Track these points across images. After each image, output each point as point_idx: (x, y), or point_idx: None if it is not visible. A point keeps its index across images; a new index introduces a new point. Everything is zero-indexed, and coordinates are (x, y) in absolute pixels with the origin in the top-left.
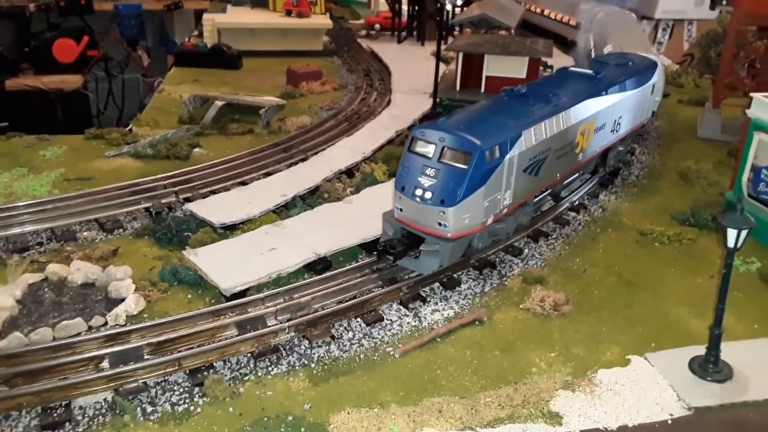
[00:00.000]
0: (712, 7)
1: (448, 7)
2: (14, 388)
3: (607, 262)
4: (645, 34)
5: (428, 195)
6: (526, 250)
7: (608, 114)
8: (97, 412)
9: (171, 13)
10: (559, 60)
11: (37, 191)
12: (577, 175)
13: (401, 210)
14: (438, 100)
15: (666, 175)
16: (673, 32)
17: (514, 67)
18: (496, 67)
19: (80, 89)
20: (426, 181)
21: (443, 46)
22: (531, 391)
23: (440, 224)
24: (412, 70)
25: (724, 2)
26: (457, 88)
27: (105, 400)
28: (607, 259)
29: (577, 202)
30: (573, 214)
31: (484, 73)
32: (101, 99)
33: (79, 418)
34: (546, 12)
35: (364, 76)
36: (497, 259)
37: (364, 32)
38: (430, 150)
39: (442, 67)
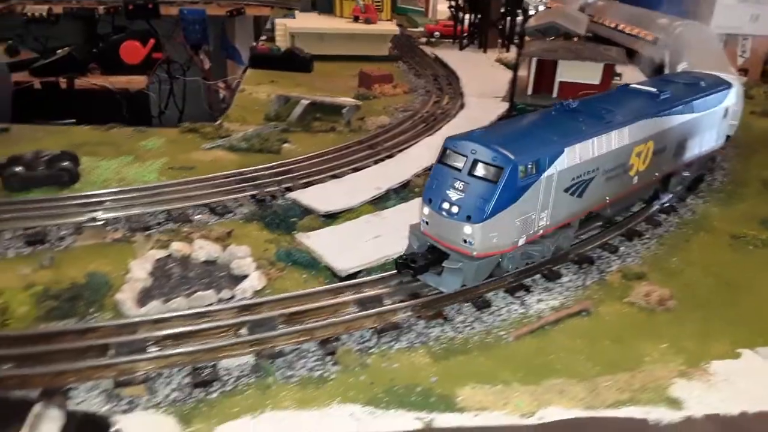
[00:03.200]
0: None
1: (532, 11)
2: (166, 348)
3: (704, 263)
4: (724, 52)
5: (455, 209)
6: (622, 248)
7: (670, 136)
8: (241, 374)
9: (232, 19)
10: (633, 75)
11: (146, 177)
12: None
13: (427, 223)
14: (513, 104)
15: (750, 183)
16: (726, 47)
17: (588, 73)
18: (569, 72)
19: (144, 90)
20: (454, 195)
21: (508, 53)
22: (647, 378)
23: (466, 241)
24: (479, 76)
25: None
26: (529, 92)
27: (247, 363)
28: (703, 259)
29: (667, 205)
30: (664, 215)
31: (558, 79)
32: (162, 100)
33: (225, 378)
34: (618, 25)
35: (432, 81)
36: (594, 255)
37: (424, 39)
38: (460, 162)
39: (509, 72)
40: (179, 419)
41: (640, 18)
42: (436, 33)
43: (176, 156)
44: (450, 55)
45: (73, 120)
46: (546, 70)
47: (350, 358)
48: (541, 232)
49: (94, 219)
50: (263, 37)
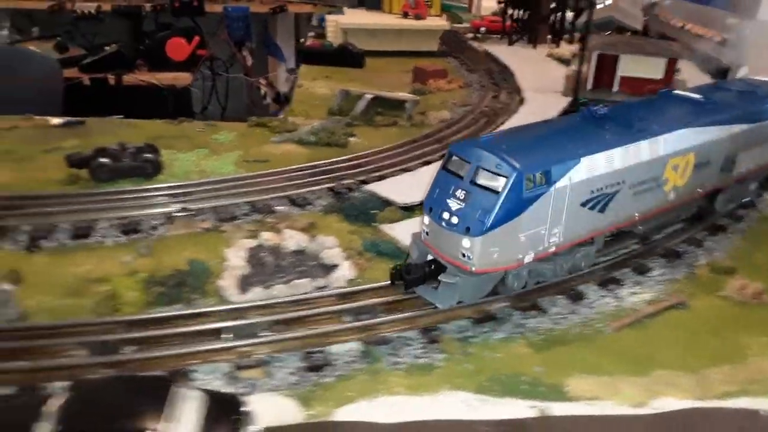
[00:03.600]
0: None
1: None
2: (278, 333)
3: None
4: None
5: (454, 220)
6: (707, 243)
7: (715, 149)
8: (351, 359)
9: (274, 17)
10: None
11: (223, 169)
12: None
13: (427, 234)
14: (576, 98)
15: None
16: None
17: (651, 68)
18: (631, 67)
19: (189, 86)
20: (454, 205)
21: (558, 48)
22: (755, 370)
23: (464, 255)
24: (533, 71)
25: None
26: (589, 87)
27: (354, 349)
28: None
29: (749, 198)
30: (744, 210)
31: (619, 73)
32: (205, 96)
33: (336, 363)
34: (684, 25)
35: (486, 76)
36: (681, 250)
37: (471, 35)
38: (464, 169)
39: (562, 67)
40: (299, 401)
41: (707, 17)
42: (482, 28)
43: (249, 149)
44: (500, 51)
45: (122, 115)
46: (606, 65)
47: (453, 346)
48: (554, 249)
49: (185, 209)
50: (311, 34)
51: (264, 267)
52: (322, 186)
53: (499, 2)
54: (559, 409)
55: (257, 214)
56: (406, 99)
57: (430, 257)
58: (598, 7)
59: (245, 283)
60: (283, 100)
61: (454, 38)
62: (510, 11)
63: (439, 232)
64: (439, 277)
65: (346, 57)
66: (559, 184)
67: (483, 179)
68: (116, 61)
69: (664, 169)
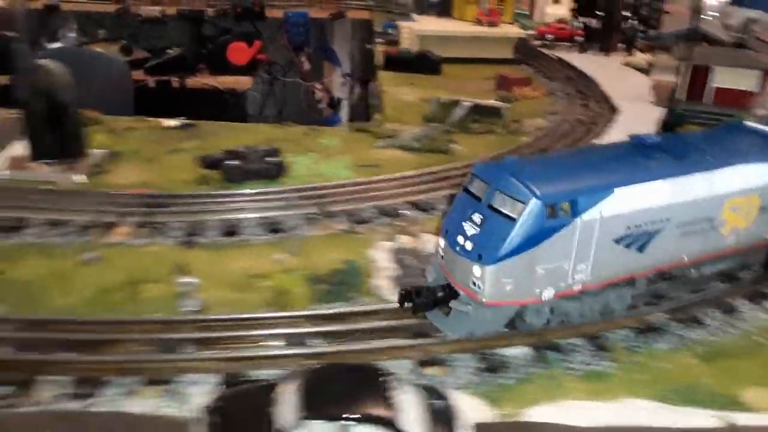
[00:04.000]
0: None
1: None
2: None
3: None
4: None
5: (468, 246)
6: None
7: None
8: (525, 362)
9: (332, 22)
10: None
11: (340, 173)
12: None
13: (442, 257)
14: (672, 109)
15: None
16: None
17: (745, 80)
18: (725, 79)
19: (249, 90)
20: (470, 229)
21: (633, 57)
22: None
23: (474, 284)
24: (614, 79)
25: None
26: (682, 98)
27: (526, 353)
28: None
29: None
30: None
31: (712, 84)
32: (264, 100)
33: (511, 365)
34: None
35: (567, 84)
36: None
37: (538, 42)
38: (483, 192)
39: (640, 75)
40: (488, 401)
41: None
42: (549, 35)
43: (356, 154)
44: (572, 58)
45: (185, 117)
46: (698, 76)
47: (621, 354)
48: (579, 287)
49: (322, 211)
50: (380, 39)
51: (409, 269)
52: (443, 191)
53: (572, 9)
54: (743, 419)
55: (386, 217)
56: (501, 107)
57: (445, 281)
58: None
59: (396, 283)
60: (337, 104)
61: (522, 45)
62: (580, 19)
63: (452, 256)
64: (450, 304)
65: (425, 64)
66: (586, 216)
67: (500, 204)
68: (179, 64)
69: (720, 209)
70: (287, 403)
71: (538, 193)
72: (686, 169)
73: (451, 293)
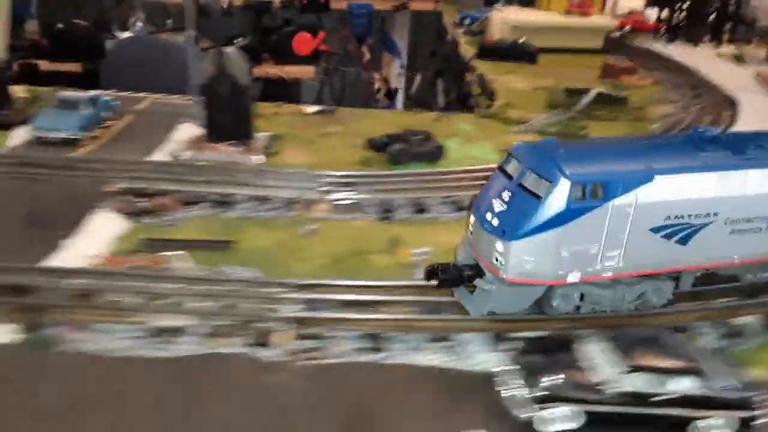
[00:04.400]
0: None
1: None
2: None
3: None
4: None
5: (495, 222)
6: None
7: None
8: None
9: (393, 13)
10: None
11: (489, 157)
12: None
13: (471, 234)
14: None
15: None
16: None
17: None
18: None
19: (312, 80)
20: (498, 206)
21: (726, 48)
22: None
23: (497, 260)
24: (714, 69)
25: None
26: None
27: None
28: None
29: None
30: None
31: None
32: (324, 89)
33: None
34: None
35: (668, 72)
36: None
37: (618, 33)
38: (515, 170)
39: (736, 66)
40: (740, 362)
41: None
42: (628, 26)
43: (495, 138)
44: (661, 49)
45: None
46: None
47: None
48: (610, 274)
49: None
50: (462, 29)
51: None
52: None
53: (646, 1)
54: None
55: None
56: (625, 95)
57: (474, 260)
58: None
59: None
60: (394, 94)
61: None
62: (665, 10)
63: (480, 233)
64: (475, 282)
65: (522, 53)
66: (618, 201)
67: (529, 183)
68: (245, 53)
69: None
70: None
71: (567, 172)
72: (741, 164)
73: (477, 272)
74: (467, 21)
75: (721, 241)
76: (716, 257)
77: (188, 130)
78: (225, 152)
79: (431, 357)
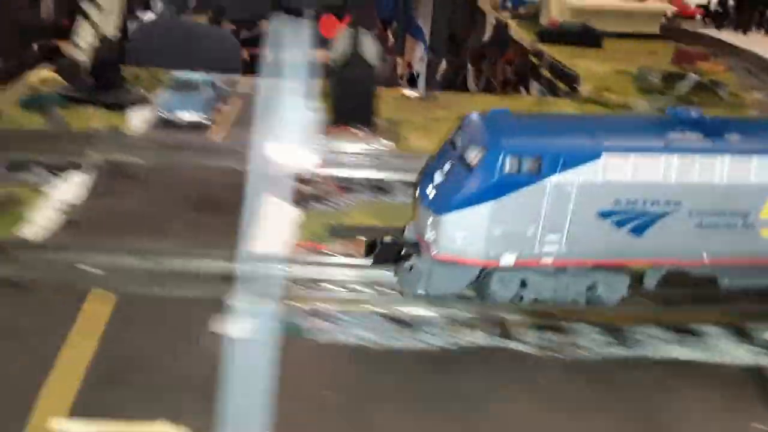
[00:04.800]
0: None
1: None
2: None
3: None
4: None
5: (432, 195)
6: None
7: None
8: None
9: None
10: None
11: None
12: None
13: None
14: None
15: None
16: None
17: None
18: None
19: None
20: (438, 178)
21: None
22: None
23: (428, 236)
24: None
25: None
26: None
27: None
28: None
29: None
30: None
31: None
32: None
33: None
34: None
35: (734, 59)
36: None
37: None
38: (459, 140)
39: None
40: None
41: None
42: (670, 11)
43: None
44: (720, 35)
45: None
46: None
47: None
48: (550, 260)
49: None
50: (507, 15)
51: None
52: None
53: None
54: None
55: None
56: (721, 82)
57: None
58: None
59: None
60: (416, 79)
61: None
62: None
63: (419, 207)
64: (410, 260)
65: (588, 37)
66: (557, 178)
67: (467, 153)
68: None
69: (759, 204)
70: None
71: (501, 142)
72: (714, 149)
73: (416, 249)
74: (509, 4)
75: (686, 235)
76: (679, 254)
77: (306, 114)
78: (356, 137)
79: (681, 351)
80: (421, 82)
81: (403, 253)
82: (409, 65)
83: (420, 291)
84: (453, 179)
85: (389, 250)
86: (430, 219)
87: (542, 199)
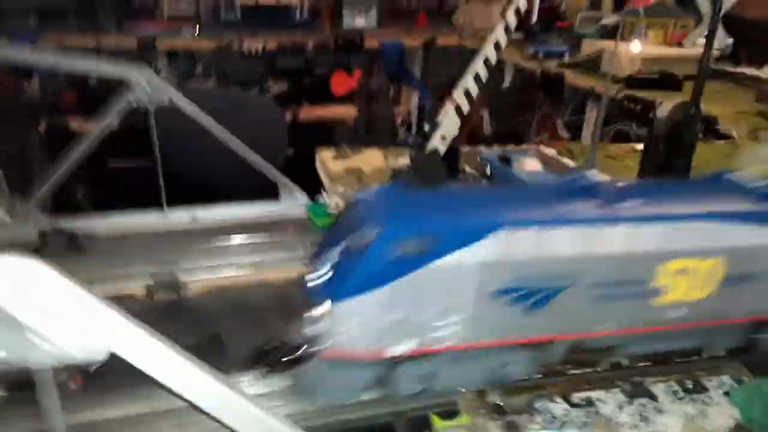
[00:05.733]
0: None
1: None
2: None
3: None
4: None
5: (320, 283)
6: None
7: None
8: None
9: (414, 49)
10: None
11: None
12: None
13: None
14: None
15: None
16: None
17: None
18: None
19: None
20: (324, 266)
21: None
22: None
23: (317, 329)
24: None
25: None
26: None
27: None
28: None
29: None
30: None
31: None
32: (356, 127)
33: None
34: None
35: None
36: None
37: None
38: (349, 221)
39: None
40: None
41: None
42: None
43: None
44: (752, 72)
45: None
46: None
47: None
48: (449, 345)
49: None
50: (536, 64)
51: None
52: None
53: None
54: None
55: None
56: None
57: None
58: None
59: None
60: (428, 129)
61: None
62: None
63: (306, 298)
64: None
65: (669, 82)
66: (453, 258)
67: (357, 233)
68: (286, 97)
69: (655, 271)
70: None
71: (389, 223)
72: (610, 218)
73: (310, 347)
74: (541, 55)
75: (586, 308)
76: (581, 327)
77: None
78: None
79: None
80: (431, 131)
81: (298, 355)
82: (409, 113)
83: (318, 397)
84: (341, 266)
85: (280, 353)
86: (318, 310)
87: (439, 281)
